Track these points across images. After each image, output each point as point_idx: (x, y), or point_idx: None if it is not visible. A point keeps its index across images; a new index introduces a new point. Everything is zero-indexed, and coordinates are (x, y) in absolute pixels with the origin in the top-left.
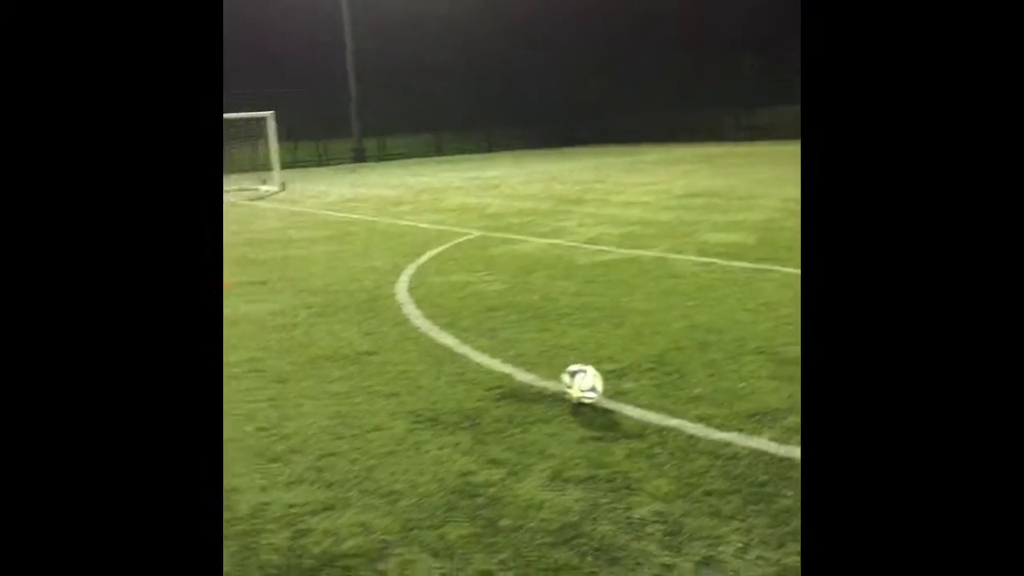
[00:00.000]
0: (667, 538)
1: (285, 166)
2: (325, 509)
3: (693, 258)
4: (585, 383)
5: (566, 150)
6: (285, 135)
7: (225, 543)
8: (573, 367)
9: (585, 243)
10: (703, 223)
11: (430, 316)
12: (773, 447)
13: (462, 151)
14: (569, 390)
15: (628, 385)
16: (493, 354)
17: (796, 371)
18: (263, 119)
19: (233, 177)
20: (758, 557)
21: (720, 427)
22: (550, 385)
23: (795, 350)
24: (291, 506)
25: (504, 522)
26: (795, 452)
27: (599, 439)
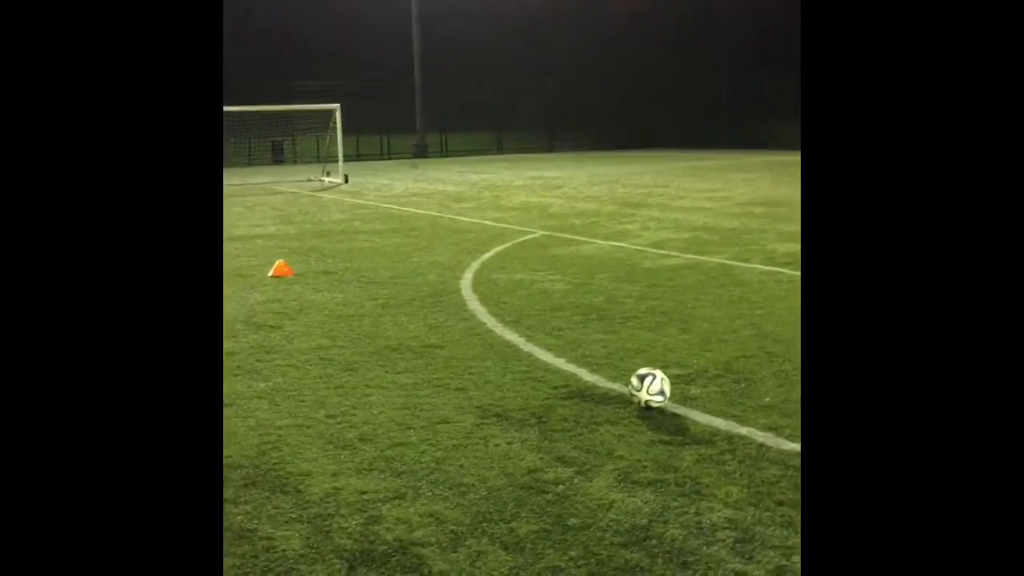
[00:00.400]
0: (738, 545)
1: (348, 159)
2: (396, 497)
3: (759, 267)
4: (654, 387)
5: (627, 153)
6: (349, 129)
7: (297, 525)
8: (642, 371)
9: (649, 247)
10: (768, 232)
11: (495, 313)
12: None
13: (523, 150)
14: (637, 393)
15: (696, 391)
16: (559, 353)
17: None
18: (326, 112)
19: (298, 168)
20: None
21: (790, 438)
22: (616, 387)
23: None
24: (363, 492)
25: (573, 520)
26: None
27: (668, 443)
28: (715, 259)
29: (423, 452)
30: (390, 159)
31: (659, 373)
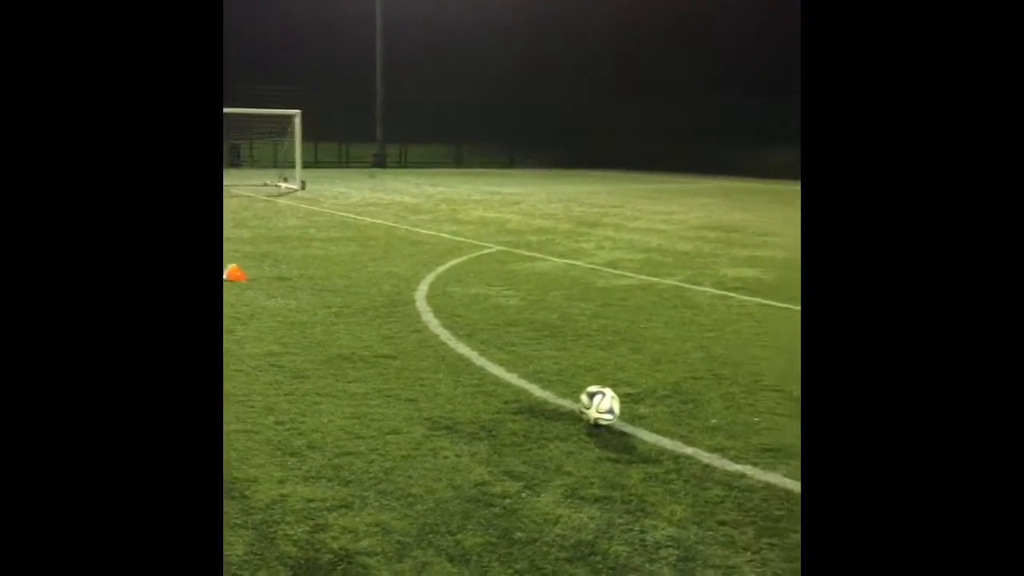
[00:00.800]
0: (681, 563)
1: (306, 166)
2: (343, 506)
3: (711, 290)
4: (603, 405)
5: (585, 172)
6: (308, 135)
7: (242, 531)
8: (592, 388)
9: (603, 266)
10: (721, 256)
11: (449, 326)
12: (788, 483)
13: (482, 165)
14: (587, 411)
15: (644, 410)
16: (511, 368)
17: None
18: (286, 117)
19: (255, 172)
20: None
21: (735, 459)
22: (567, 403)
23: None
24: (309, 500)
25: (519, 534)
26: None
27: (615, 461)
28: (668, 281)
29: (371, 462)
30: (348, 168)
31: (609, 392)
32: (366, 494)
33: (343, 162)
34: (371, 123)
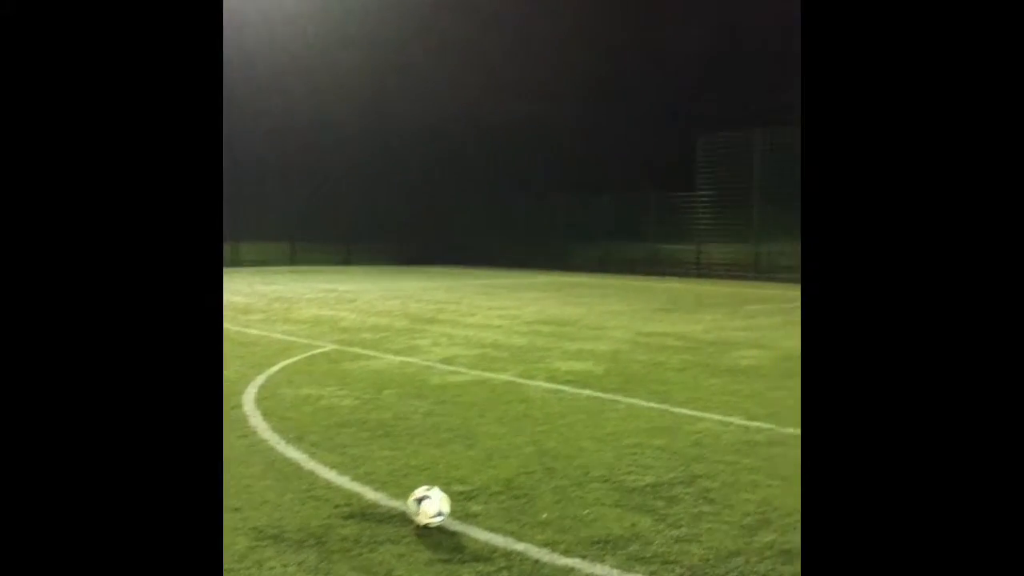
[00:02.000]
0: None
1: None
2: None
3: (543, 384)
4: (431, 508)
5: (423, 268)
6: None
7: None
8: (419, 492)
9: (438, 363)
10: (554, 350)
11: (278, 429)
12: (615, 574)
13: (318, 262)
14: (416, 517)
15: (477, 508)
16: (342, 471)
17: (638, 500)
18: None
19: None
20: None
21: (565, 552)
22: (399, 504)
23: (637, 479)
24: None
25: None
26: None
27: (447, 561)
28: (502, 376)
29: None
30: None
31: (436, 493)
32: None
33: None
34: None
